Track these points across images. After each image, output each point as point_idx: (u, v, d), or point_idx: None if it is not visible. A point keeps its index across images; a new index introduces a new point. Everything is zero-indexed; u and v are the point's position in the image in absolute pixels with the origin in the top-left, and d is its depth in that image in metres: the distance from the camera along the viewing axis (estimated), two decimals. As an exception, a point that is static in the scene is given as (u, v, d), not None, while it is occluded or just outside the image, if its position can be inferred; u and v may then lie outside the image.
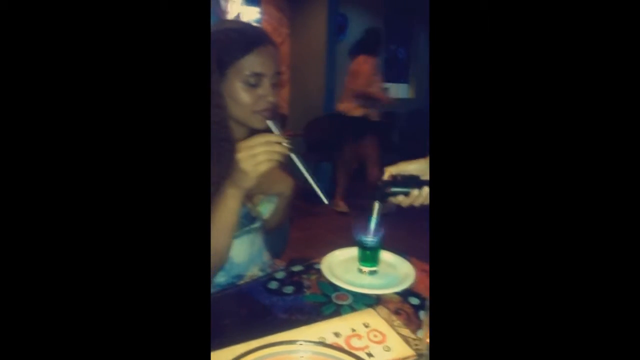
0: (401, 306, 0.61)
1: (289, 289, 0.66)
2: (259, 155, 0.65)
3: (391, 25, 4.82)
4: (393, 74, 5.11)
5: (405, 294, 0.64)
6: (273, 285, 0.67)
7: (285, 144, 0.66)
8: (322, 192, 0.70)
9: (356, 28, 4.42)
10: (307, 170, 0.70)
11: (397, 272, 0.72)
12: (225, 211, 0.69)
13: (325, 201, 0.69)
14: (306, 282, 0.68)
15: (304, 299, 0.63)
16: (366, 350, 0.50)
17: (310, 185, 0.70)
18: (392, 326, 0.55)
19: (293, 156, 0.69)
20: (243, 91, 0.76)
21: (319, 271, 0.70)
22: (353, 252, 0.75)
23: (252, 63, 0.75)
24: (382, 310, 0.59)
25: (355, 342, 0.51)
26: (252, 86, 0.76)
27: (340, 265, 0.73)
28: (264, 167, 0.65)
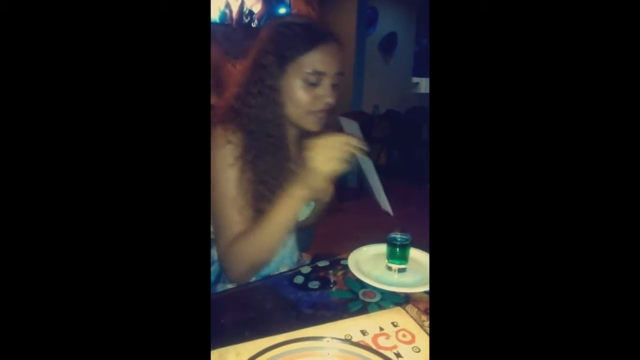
0: (431, 306, 0.59)
1: (314, 284, 0.65)
2: (334, 149, 0.62)
3: (423, 19, 4.70)
4: (424, 68, 5.00)
5: (436, 294, 0.62)
6: (299, 280, 0.66)
7: (363, 148, 0.64)
8: (390, 203, 0.67)
9: (386, 21, 4.35)
10: (380, 179, 0.66)
11: (427, 270, 0.69)
12: (286, 212, 0.67)
13: (391, 213, 0.66)
14: (332, 278, 0.67)
15: (330, 295, 0.62)
16: (394, 350, 0.48)
17: (375, 193, 0.67)
18: (422, 326, 0.53)
19: (370, 163, 0.66)
20: (301, 89, 0.73)
21: (345, 267, 0.69)
22: (381, 248, 0.73)
23: (314, 60, 0.71)
24: (412, 309, 0.57)
25: (383, 342, 0.50)
26: (312, 85, 0.73)
27: (368, 262, 0.71)
28: (339, 164, 0.62)
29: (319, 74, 0.72)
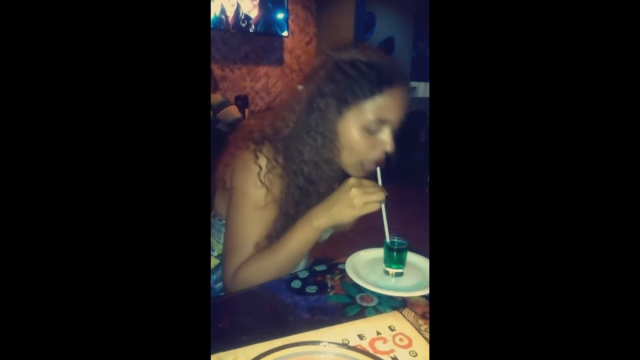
0: (428, 310, 0.59)
1: (312, 289, 0.65)
2: (373, 195, 0.62)
3: (420, 23, 4.74)
4: (422, 72, 5.02)
5: (433, 298, 0.62)
6: (296, 284, 0.66)
7: (386, 194, 0.64)
8: (389, 236, 0.69)
9: (383, 26, 4.38)
10: (387, 217, 0.69)
11: (424, 274, 0.69)
12: (304, 241, 0.66)
13: (388, 240, 0.69)
14: (330, 282, 0.67)
15: (328, 299, 0.62)
16: (391, 355, 0.48)
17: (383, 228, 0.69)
18: (419, 330, 0.53)
19: (383, 205, 0.67)
20: (359, 136, 0.66)
21: (343, 271, 0.69)
22: (378, 252, 0.73)
23: (379, 107, 0.65)
24: (409, 313, 0.58)
25: (380, 346, 0.50)
26: (371, 132, 0.66)
27: (365, 266, 0.71)
28: (372, 209, 0.62)
29: (382, 122, 0.66)
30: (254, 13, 3.53)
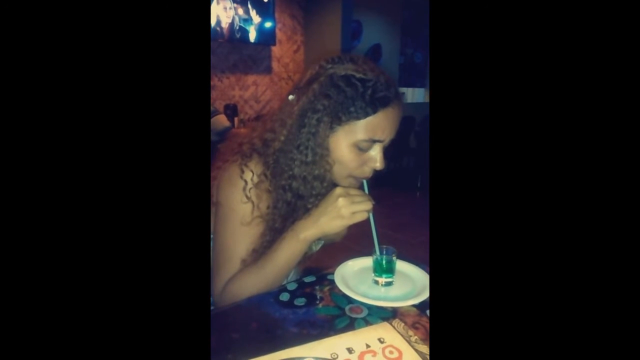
0: (419, 320, 0.58)
1: (300, 301, 0.63)
2: (360, 204, 0.62)
3: (407, 30, 4.79)
4: (410, 78, 5.07)
5: (423, 307, 0.61)
6: (284, 297, 0.65)
7: (373, 203, 0.64)
8: (378, 245, 0.68)
9: (370, 33, 4.42)
10: (375, 227, 0.68)
11: (415, 283, 0.68)
12: (291, 255, 0.65)
13: (378, 253, 0.68)
14: (319, 294, 0.66)
15: (317, 312, 0.60)
16: (381, 368, 0.47)
17: (374, 238, 0.69)
18: (409, 342, 0.52)
19: (371, 214, 0.66)
20: (350, 153, 0.66)
21: (332, 282, 0.68)
22: (367, 261, 0.72)
23: (372, 127, 0.64)
24: (399, 324, 0.56)
25: None
26: (362, 150, 0.66)
27: (354, 276, 0.70)
28: (360, 218, 0.62)
29: (373, 141, 0.65)
30: (248, 24, 3.54)
